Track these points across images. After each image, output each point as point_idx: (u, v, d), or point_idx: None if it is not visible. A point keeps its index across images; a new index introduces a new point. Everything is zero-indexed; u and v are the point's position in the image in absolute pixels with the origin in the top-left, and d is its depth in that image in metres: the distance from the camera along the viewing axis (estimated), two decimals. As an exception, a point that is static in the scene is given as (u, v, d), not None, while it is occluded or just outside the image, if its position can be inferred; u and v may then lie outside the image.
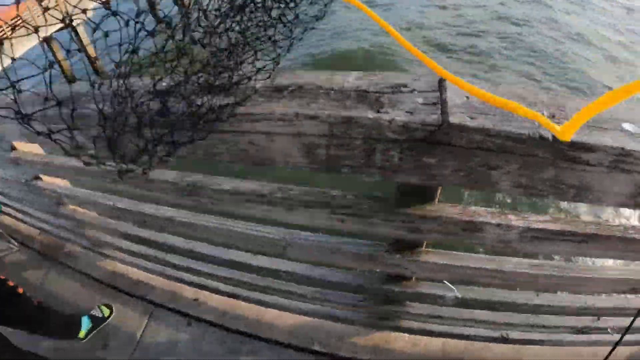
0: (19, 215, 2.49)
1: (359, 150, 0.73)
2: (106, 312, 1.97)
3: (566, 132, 0.51)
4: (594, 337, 1.70)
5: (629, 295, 1.40)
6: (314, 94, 0.73)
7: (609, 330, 1.50)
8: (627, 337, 1.69)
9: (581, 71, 7.13)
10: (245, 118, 0.72)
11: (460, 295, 1.33)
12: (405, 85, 0.73)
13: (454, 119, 0.67)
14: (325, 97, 0.72)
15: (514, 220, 0.98)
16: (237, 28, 0.68)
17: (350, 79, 0.75)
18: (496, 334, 1.74)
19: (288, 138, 0.73)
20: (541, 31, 8.35)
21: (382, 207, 0.92)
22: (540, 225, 0.99)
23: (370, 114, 0.67)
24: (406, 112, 0.68)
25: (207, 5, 0.61)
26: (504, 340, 1.76)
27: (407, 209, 0.92)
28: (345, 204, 0.92)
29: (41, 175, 1.72)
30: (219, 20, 0.63)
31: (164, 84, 0.65)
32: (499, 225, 0.97)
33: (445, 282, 1.25)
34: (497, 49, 7.87)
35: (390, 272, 1.22)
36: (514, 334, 1.74)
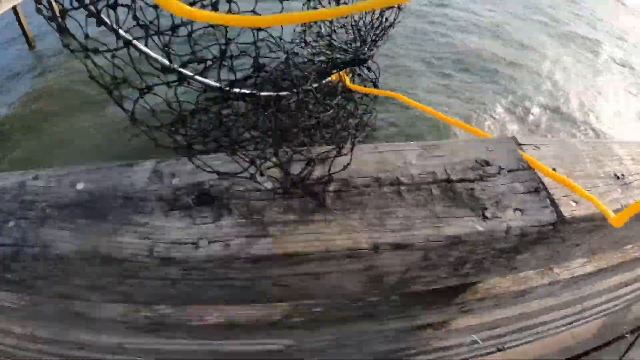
0: None
1: (446, 267, 0.48)
2: None
3: (620, 220, 0.47)
4: (575, 323, 1.73)
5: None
6: (381, 196, 0.46)
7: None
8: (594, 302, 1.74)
9: (475, 55, 7.80)
10: (270, 262, 0.42)
11: (479, 340, 1.18)
12: (487, 163, 0.50)
13: (565, 211, 0.47)
14: (398, 200, 0.45)
15: (560, 274, 0.85)
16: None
17: (414, 160, 0.50)
18: (493, 348, 1.66)
19: (348, 274, 0.45)
20: (438, 25, 8.85)
21: (435, 299, 0.69)
22: (580, 272, 0.88)
23: (480, 225, 0.42)
24: (515, 209, 0.45)
25: None
26: (500, 350, 1.69)
27: (462, 295, 0.71)
28: (391, 310, 0.67)
29: None
30: None
31: None
32: (549, 284, 0.83)
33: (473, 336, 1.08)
34: (399, 44, 8.13)
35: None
36: (509, 344, 1.68)
